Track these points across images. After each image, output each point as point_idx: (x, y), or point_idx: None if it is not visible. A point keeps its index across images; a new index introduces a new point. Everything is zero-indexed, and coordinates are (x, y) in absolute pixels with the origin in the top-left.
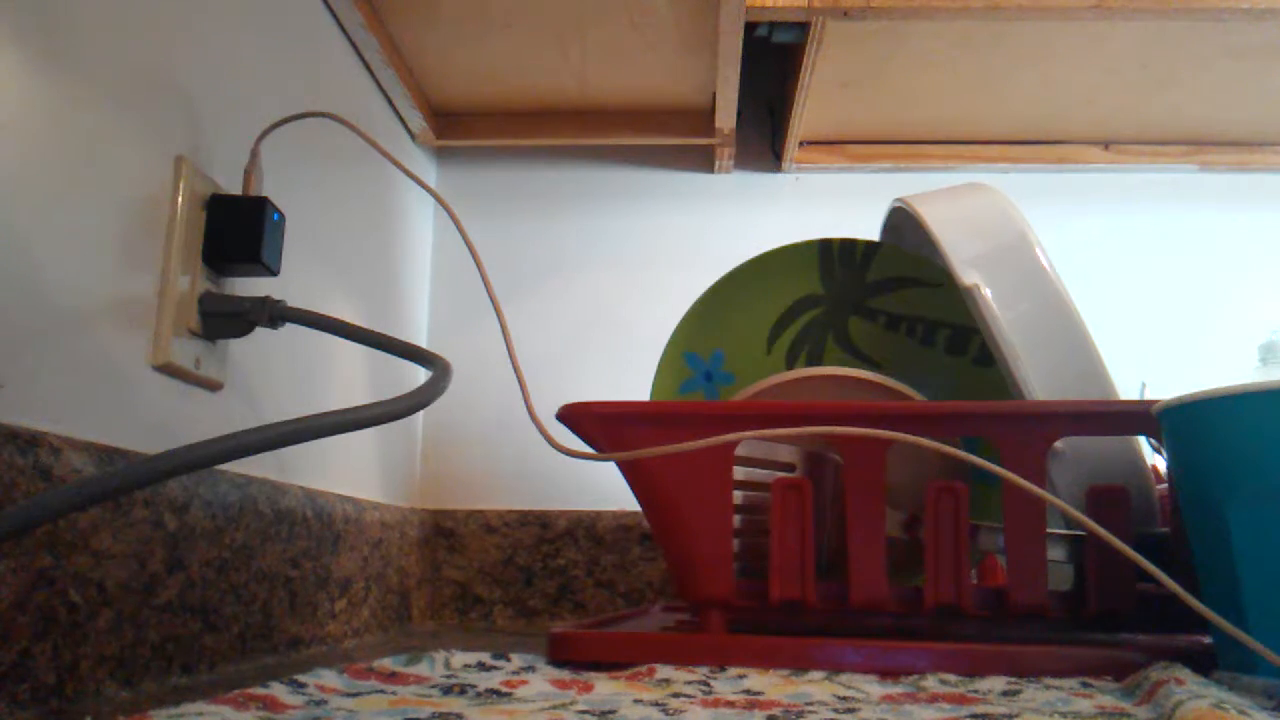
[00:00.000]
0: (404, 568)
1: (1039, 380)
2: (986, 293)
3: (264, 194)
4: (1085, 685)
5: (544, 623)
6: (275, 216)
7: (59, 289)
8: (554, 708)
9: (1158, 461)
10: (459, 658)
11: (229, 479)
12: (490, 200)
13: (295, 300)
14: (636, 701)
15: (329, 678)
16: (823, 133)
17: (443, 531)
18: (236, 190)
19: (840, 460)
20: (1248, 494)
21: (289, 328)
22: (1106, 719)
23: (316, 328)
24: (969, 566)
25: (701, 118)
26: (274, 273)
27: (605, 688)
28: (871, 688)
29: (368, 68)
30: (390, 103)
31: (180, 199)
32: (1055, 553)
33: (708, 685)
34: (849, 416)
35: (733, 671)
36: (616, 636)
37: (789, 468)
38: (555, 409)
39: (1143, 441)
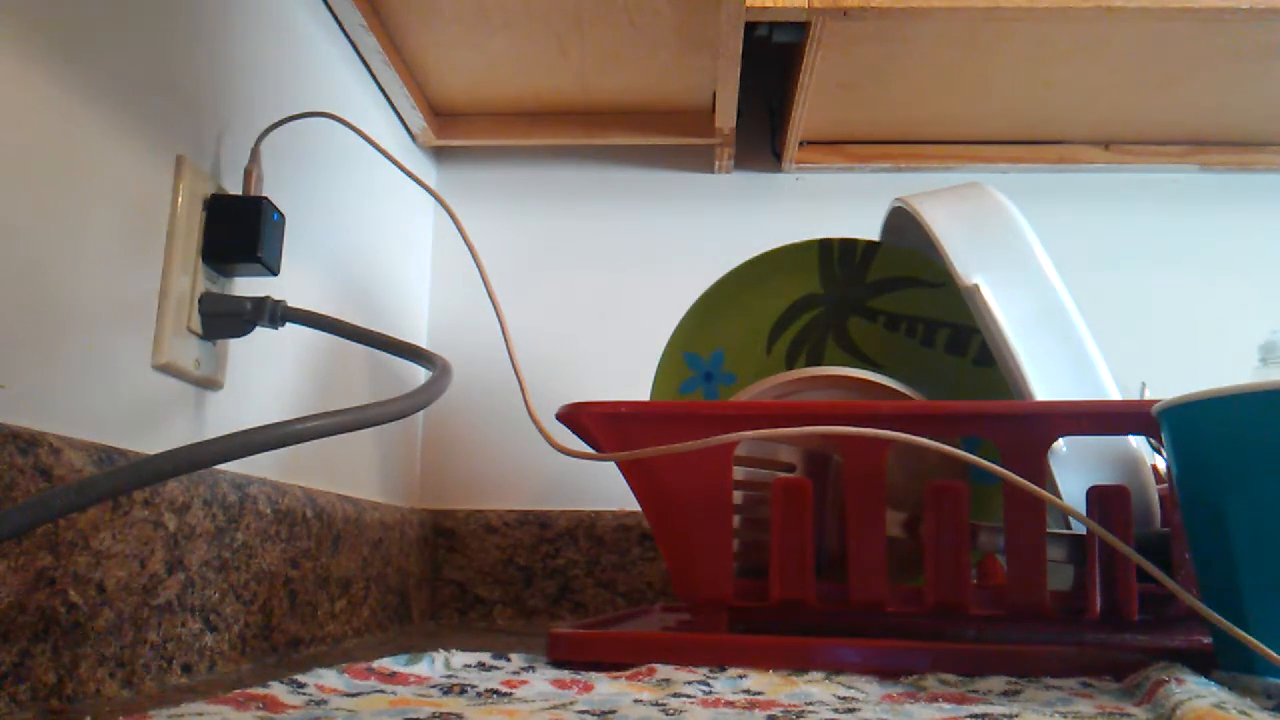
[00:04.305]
0: (404, 568)
1: (1039, 380)
2: (986, 293)
3: (264, 194)
4: (1085, 685)
5: (544, 623)
6: (275, 216)
7: (59, 289)
8: (554, 708)
9: (1158, 461)
10: (459, 658)
11: (229, 479)
12: (490, 200)
13: (295, 300)
14: (636, 701)
15: (329, 678)
16: (823, 133)
17: (443, 531)
18: (237, 190)
19: (840, 460)
20: (1248, 494)
21: (289, 328)
22: (1106, 719)
23: (317, 328)
24: (969, 566)
25: (701, 118)
26: (274, 272)
27: (605, 688)
28: (871, 688)
29: (368, 68)
30: (390, 103)
31: (180, 199)
32: (1055, 553)
33: (708, 685)
34: (849, 416)
35: (733, 671)
36: (616, 636)
37: (789, 468)
38: (555, 409)
39: (1143, 441)
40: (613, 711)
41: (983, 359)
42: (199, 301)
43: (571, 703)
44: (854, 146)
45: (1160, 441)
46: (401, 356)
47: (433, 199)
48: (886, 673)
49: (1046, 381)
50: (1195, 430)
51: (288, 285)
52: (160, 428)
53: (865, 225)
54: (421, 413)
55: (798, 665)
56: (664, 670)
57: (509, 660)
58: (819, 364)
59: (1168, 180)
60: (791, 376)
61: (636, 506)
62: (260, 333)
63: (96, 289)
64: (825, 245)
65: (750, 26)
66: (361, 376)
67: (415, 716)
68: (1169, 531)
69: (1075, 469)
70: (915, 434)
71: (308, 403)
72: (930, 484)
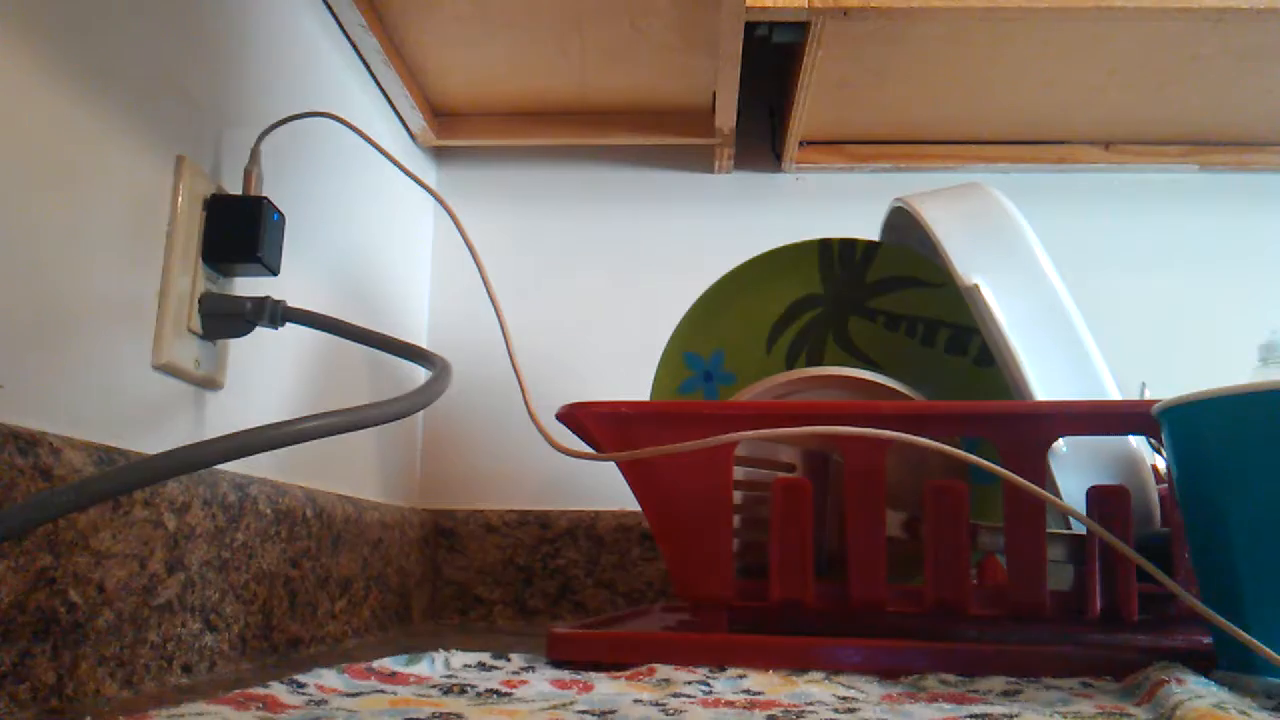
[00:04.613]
0: (404, 568)
1: (1039, 380)
2: (986, 293)
3: (264, 194)
4: (1085, 685)
5: (544, 623)
6: (275, 216)
7: (59, 289)
8: (554, 708)
9: (1158, 461)
10: (459, 658)
11: (229, 479)
12: (490, 200)
13: (295, 300)
14: (636, 701)
15: (329, 678)
16: (823, 133)
17: (443, 531)
18: (237, 190)
19: (840, 460)
20: (1248, 494)
21: (289, 328)
22: (1106, 719)
23: (317, 328)
24: (969, 566)
25: (701, 118)
26: (274, 272)
27: (605, 688)
28: (871, 688)
29: (368, 68)
30: (390, 103)
31: (180, 199)
32: (1055, 553)
33: (708, 685)
34: (849, 416)
35: (733, 671)
36: (616, 636)
37: (789, 468)
38: (555, 409)
39: (1143, 441)
40: (613, 711)
41: (983, 359)
42: (199, 301)
43: (571, 703)
44: (854, 146)
45: (1160, 441)
46: (401, 356)
47: (433, 199)
48: (886, 673)
49: (1046, 381)
50: (1195, 430)
51: (288, 285)
52: (160, 428)
53: (865, 225)
54: (421, 413)
55: (798, 665)
56: (664, 670)
57: (509, 660)
58: (819, 364)
59: (1168, 180)
60: (791, 376)
61: (636, 506)
62: (260, 333)
63: (96, 289)
64: (825, 245)
65: (750, 26)
66: (361, 376)
67: (415, 716)
68: (1169, 531)
69: (1075, 469)
70: (915, 434)
71: (308, 403)
72: (930, 484)
